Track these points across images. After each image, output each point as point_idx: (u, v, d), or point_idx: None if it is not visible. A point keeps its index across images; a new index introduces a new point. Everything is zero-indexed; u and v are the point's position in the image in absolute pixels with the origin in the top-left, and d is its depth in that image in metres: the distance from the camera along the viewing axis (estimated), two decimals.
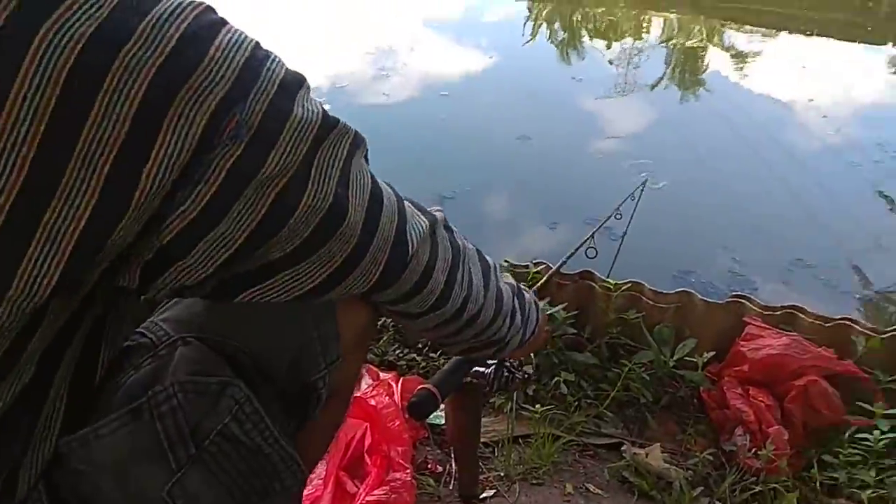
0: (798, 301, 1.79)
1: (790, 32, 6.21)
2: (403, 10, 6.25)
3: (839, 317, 1.68)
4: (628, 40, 5.85)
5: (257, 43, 0.51)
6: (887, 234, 3.26)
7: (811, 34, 6.14)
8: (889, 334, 1.64)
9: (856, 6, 7.00)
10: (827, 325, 1.66)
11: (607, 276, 1.82)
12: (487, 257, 0.88)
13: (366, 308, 0.78)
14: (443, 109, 4.43)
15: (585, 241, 1.60)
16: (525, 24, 6.17)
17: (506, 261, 1.91)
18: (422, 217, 0.71)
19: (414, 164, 3.81)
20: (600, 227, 1.69)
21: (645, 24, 6.28)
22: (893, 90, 5.03)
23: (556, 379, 1.69)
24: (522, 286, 0.99)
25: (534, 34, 5.95)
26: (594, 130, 4.19)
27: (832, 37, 6.13)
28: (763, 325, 1.65)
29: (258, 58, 0.50)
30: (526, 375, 1.23)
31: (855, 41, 6.04)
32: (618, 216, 1.80)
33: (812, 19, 6.49)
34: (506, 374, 1.15)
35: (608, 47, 5.64)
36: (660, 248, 3.13)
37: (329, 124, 0.54)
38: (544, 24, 6.18)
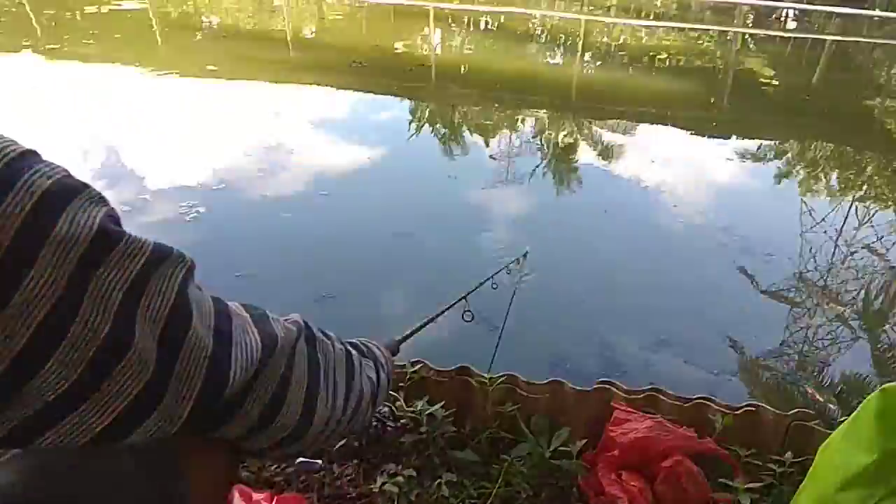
0: (666, 379, 1.91)
1: (649, 125, 6.88)
2: (283, 109, 6.31)
3: (696, 396, 1.80)
4: (505, 136, 6.21)
5: (27, 152, 0.47)
6: (743, 311, 3.59)
7: (665, 128, 6.85)
8: (742, 410, 1.78)
9: (702, 104, 7.89)
10: (686, 404, 1.77)
11: (489, 370, 1.86)
12: (355, 347, 0.85)
13: (220, 453, 0.70)
14: (323, 209, 4.46)
15: (457, 301, 1.66)
16: (408, 123, 6.40)
17: None
18: (263, 336, 0.65)
19: (293, 264, 3.78)
20: (475, 289, 1.76)
21: (520, 123, 6.72)
22: (735, 178, 5.63)
23: (437, 481, 1.67)
24: (374, 345, 0.97)
25: (418, 130, 6.19)
26: (471, 224, 4.36)
27: (684, 130, 6.83)
28: (629, 409, 1.74)
29: (16, 168, 0.45)
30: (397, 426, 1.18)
31: (703, 135, 6.77)
32: (494, 286, 1.88)
33: (666, 115, 7.24)
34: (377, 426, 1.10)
35: (486, 144, 5.95)
36: (537, 337, 3.25)
37: (109, 240, 0.49)
38: (426, 124, 6.45)
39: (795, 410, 1.77)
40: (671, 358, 3.12)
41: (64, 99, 6.42)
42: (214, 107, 6.41)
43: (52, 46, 8.17)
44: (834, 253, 4.41)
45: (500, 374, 1.84)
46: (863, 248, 4.46)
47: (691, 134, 6.77)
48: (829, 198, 5.41)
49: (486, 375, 1.83)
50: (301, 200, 4.56)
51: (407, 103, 6.97)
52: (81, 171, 4.66)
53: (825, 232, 4.65)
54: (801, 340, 3.45)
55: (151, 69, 7.67)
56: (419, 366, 1.84)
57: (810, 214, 4.93)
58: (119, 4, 11.50)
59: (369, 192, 4.75)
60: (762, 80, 9.69)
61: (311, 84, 7.33)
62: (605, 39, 11.85)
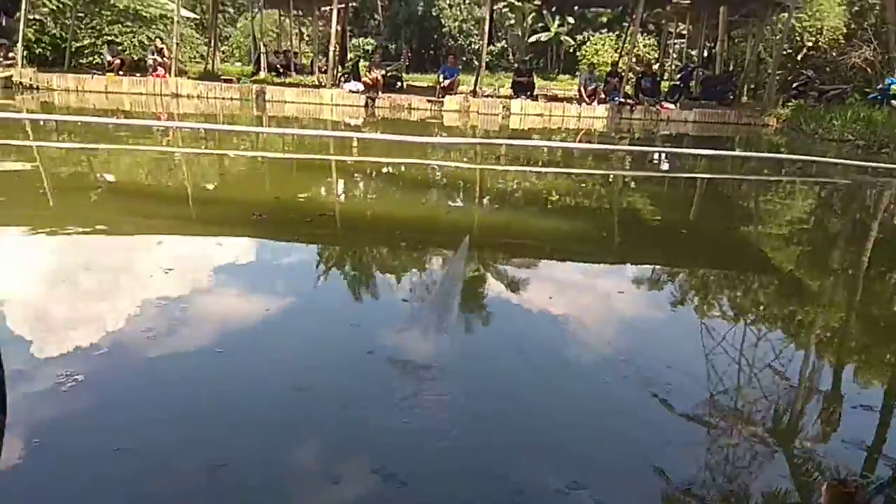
0: None
1: (547, 260, 7.17)
2: (178, 265, 6.10)
3: None
4: (409, 279, 6.23)
5: None
6: (655, 441, 3.56)
7: (563, 261, 7.12)
8: None
9: (593, 239, 8.31)
10: None
11: None
12: None
13: None
14: (215, 368, 4.21)
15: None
16: (310, 273, 6.31)
17: None
18: None
19: (181, 432, 3.48)
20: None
21: (425, 264, 6.79)
22: (629, 308, 5.83)
23: None
24: None
25: (320, 279, 6.10)
26: (376, 373, 4.23)
27: (579, 264, 7.13)
28: None
29: None
30: None
31: (600, 263, 7.07)
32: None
33: (565, 249, 7.57)
34: None
35: (390, 288, 5.94)
36: (443, 485, 3.10)
37: None
38: (328, 272, 6.39)
39: None
40: (586, 499, 3.02)
41: None
42: (102, 266, 6.13)
43: None
44: (739, 373, 4.56)
45: None
46: (764, 367, 4.65)
47: (586, 267, 7.08)
48: (724, 320, 5.69)
49: None
50: (192, 361, 4.30)
51: (309, 253, 6.96)
52: None
53: (726, 353, 4.83)
54: (720, 467, 3.45)
55: (37, 230, 7.34)
56: None
57: (710, 336, 5.14)
58: (7, 166, 11.18)
59: (268, 346, 4.56)
60: (645, 216, 10.45)
61: (209, 236, 7.22)
62: (499, 184, 12.57)
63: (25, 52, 26.07)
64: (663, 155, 17.51)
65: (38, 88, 24.44)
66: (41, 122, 16.07)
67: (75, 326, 4.74)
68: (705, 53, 34.40)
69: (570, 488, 3.07)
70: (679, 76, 30.26)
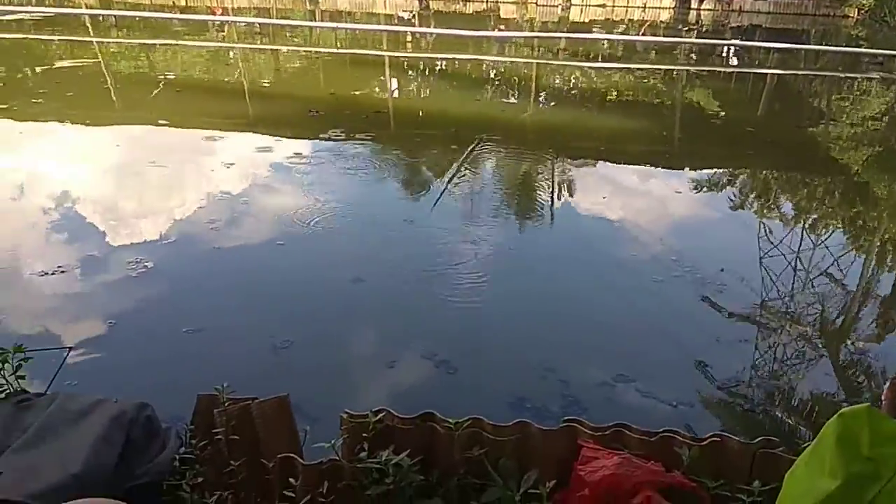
0: (627, 414, 1.90)
1: (603, 161, 7.00)
2: (239, 160, 6.27)
3: (662, 430, 1.79)
4: (463, 178, 6.25)
5: None
6: (703, 341, 3.62)
7: (618, 163, 6.98)
8: (708, 441, 1.77)
9: (653, 138, 8.09)
10: (651, 439, 1.76)
11: (367, 412, 1.80)
12: None
13: None
14: (278, 259, 4.41)
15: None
16: (366, 169, 6.40)
17: (346, 411, 1.85)
18: None
19: (247, 316, 3.71)
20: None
21: (478, 164, 6.79)
22: (686, 209, 5.75)
23: None
24: None
25: (376, 176, 6.19)
26: (428, 265, 4.35)
27: (636, 164, 6.98)
28: (596, 446, 1.72)
29: None
30: None
31: (655, 168, 6.91)
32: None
33: (618, 151, 7.41)
34: None
35: (443, 185, 5.98)
36: (494, 375, 3.24)
37: None
38: (383, 169, 6.46)
39: (760, 439, 1.77)
40: (632, 392, 3.13)
41: (11, 158, 6.29)
42: (166, 161, 6.34)
43: (1, 106, 8.04)
44: (794, 278, 4.52)
45: (466, 418, 1.81)
46: (820, 274, 4.58)
47: (644, 167, 6.92)
48: (782, 223, 5.56)
49: (451, 420, 1.80)
50: (255, 252, 4.51)
51: (364, 149, 7.00)
52: (32, 230, 4.56)
53: (783, 256, 4.77)
54: (766, 366, 3.50)
55: (103, 125, 7.60)
56: (382, 414, 1.80)
57: (768, 238, 5.06)
58: (72, 62, 11.43)
59: (325, 240, 4.72)
60: (709, 113, 10.03)
61: (267, 134, 7.33)
62: (556, 81, 12.18)
63: None
64: (732, 49, 16.53)
65: None
66: (100, 18, 16.20)
67: (144, 217, 4.99)
68: None
69: (617, 381, 3.18)
70: None
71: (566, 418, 1.81)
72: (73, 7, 17.91)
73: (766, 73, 12.88)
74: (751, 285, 4.30)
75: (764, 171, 7.08)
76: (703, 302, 4.02)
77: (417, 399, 2.80)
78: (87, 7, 18.52)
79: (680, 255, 4.64)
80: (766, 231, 5.25)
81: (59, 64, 11.23)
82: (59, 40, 13.08)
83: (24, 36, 13.59)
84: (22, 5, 18.42)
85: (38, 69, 10.37)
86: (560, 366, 3.29)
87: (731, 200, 6.10)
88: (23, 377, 1.98)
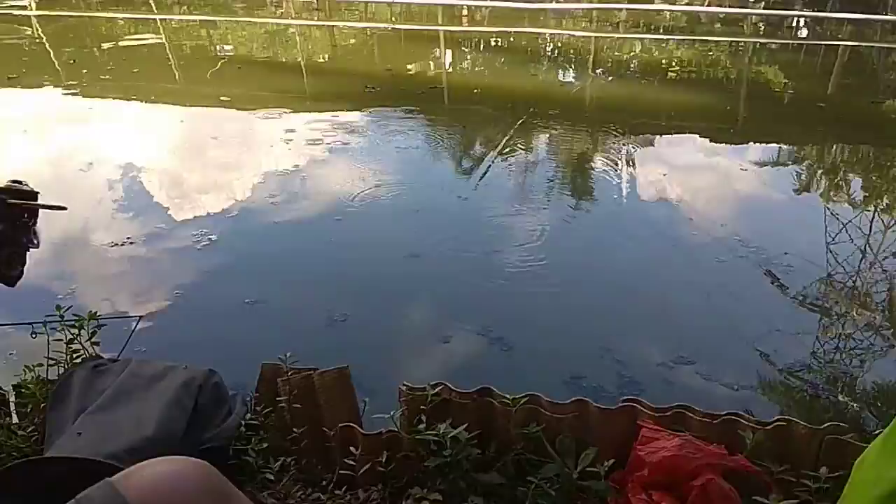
0: (687, 396, 1.87)
1: (663, 136, 6.82)
2: (297, 136, 6.37)
3: (725, 413, 1.76)
4: (520, 154, 6.21)
5: None
6: (766, 322, 3.52)
7: (681, 138, 6.80)
8: (773, 425, 1.73)
9: (717, 114, 7.84)
10: (714, 421, 1.73)
11: (425, 385, 1.82)
12: None
13: None
14: (336, 234, 4.48)
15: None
16: (421, 145, 6.41)
17: (404, 384, 1.88)
18: None
19: (304, 289, 3.79)
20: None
21: (535, 139, 6.73)
22: (754, 188, 5.57)
23: None
24: None
25: (431, 152, 6.21)
26: (483, 243, 4.35)
27: (699, 140, 6.79)
28: (656, 426, 1.70)
29: None
30: None
31: (719, 145, 6.70)
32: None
33: (680, 126, 7.21)
34: None
35: (501, 162, 5.95)
36: (551, 353, 3.22)
37: None
38: (438, 145, 6.47)
39: (828, 424, 1.71)
40: (691, 374, 3.07)
41: (81, 133, 6.53)
42: (227, 137, 6.48)
43: (71, 82, 8.34)
44: (862, 260, 4.33)
45: (523, 394, 1.81)
46: (889, 256, 4.39)
47: (707, 144, 6.72)
48: (851, 204, 5.33)
49: (508, 396, 1.80)
50: (313, 226, 4.58)
51: (420, 125, 7.00)
52: (100, 203, 4.74)
53: (851, 239, 4.58)
54: (831, 350, 3.38)
55: (167, 102, 7.81)
56: (440, 388, 1.82)
57: (836, 220, 4.86)
58: (136, 39, 11.75)
59: (382, 216, 4.76)
60: (776, 88, 9.64)
61: (324, 111, 7.40)
62: (616, 54, 11.89)
63: None
64: (802, 20, 15.79)
65: None
66: None
67: (207, 191, 5.14)
68: None
69: (675, 362, 3.13)
70: None
71: (625, 398, 1.79)
72: None
73: (839, 45, 12.25)
74: (818, 268, 4.14)
75: (834, 149, 6.78)
76: (767, 284, 3.90)
77: (471, 374, 2.81)
78: None
79: (744, 235, 4.50)
80: (835, 212, 5.05)
81: (124, 41, 11.56)
82: (123, 18, 13.44)
83: (92, 14, 14.01)
84: None
85: (104, 46, 10.70)
86: (617, 345, 3.25)
87: (799, 179, 5.87)
88: (97, 343, 2.07)
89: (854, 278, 4.11)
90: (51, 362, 1.99)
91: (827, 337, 3.49)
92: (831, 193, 5.60)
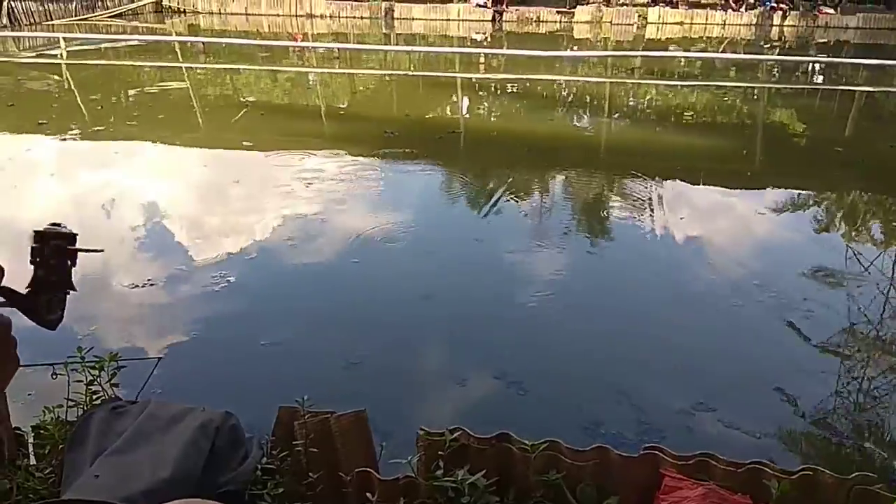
0: (708, 443, 1.84)
1: (680, 181, 6.79)
2: (316, 180, 6.46)
3: (750, 461, 1.72)
4: (535, 197, 6.24)
5: None
6: (787, 368, 3.46)
7: (697, 183, 6.77)
8: (799, 474, 1.69)
9: (733, 158, 7.85)
10: (739, 470, 1.69)
11: (443, 430, 1.80)
12: None
13: None
14: (352, 276, 4.50)
15: None
16: (439, 188, 6.47)
17: (421, 429, 1.86)
18: None
19: (321, 331, 3.81)
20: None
21: (550, 183, 6.78)
22: (769, 232, 5.53)
23: None
24: None
25: (448, 195, 6.26)
26: (499, 284, 4.35)
27: (715, 185, 6.75)
28: (679, 475, 1.66)
29: None
30: None
31: (736, 189, 6.66)
32: None
33: (696, 170, 7.18)
34: None
35: (516, 205, 5.99)
36: (569, 398, 3.18)
37: None
38: (455, 188, 6.54)
39: (857, 474, 1.67)
40: (712, 421, 3.01)
41: (106, 176, 6.68)
42: (248, 180, 6.60)
43: (98, 128, 8.56)
44: (885, 304, 4.26)
45: (542, 440, 1.79)
46: None
47: (724, 188, 6.71)
48: (871, 248, 5.28)
49: (527, 442, 1.78)
50: (330, 269, 4.61)
51: (438, 169, 7.08)
52: (122, 244, 4.81)
53: (874, 283, 4.52)
54: (855, 397, 3.31)
55: (190, 146, 7.99)
56: (458, 433, 1.80)
57: (857, 263, 4.81)
58: (162, 86, 12.09)
59: (398, 258, 4.79)
60: (793, 132, 9.66)
61: (343, 155, 7.51)
62: (631, 100, 12.01)
63: None
64: (817, 65, 15.90)
65: (184, 12, 25.82)
66: (189, 45, 17.08)
67: (227, 234, 5.20)
68: None
69: (696, 409, 3.07)
70: None
71: (647, 445, 1.76)
72: (163, 35, 18.97)
73: (855, 90, 12.29)
74: (838, 312, 4.08)
75: (853, 192, 6.74)
76: (787, 328, 3.84)
77: (487, 419, 2.78)
78: (176, 35, 19.60)
79: (763, 278, 4.46)
80: (855, 255, 4.99)
81: (150, 88, 11.89)
82: (150, 66, 13.84)
83: (120, 62, 14.46)
84: (118, 33, 19.67)
85: (131, 93, 11.00)
86: (636, 391, 3.20)
87: (818, 223, 5.84)
88: (116, 385, 2.08)
89: (877, 323, 4.04)
90: (70, 403, 2.01)
91: (850, 383, 3.42)
92: (851, 237, 5.55)
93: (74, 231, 0.87)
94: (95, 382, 2.02)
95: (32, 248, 0.84)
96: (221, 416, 1.84)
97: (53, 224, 0.86)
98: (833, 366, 3.57)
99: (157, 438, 1.72)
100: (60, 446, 1.86)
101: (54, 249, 0.85)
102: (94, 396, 2.01)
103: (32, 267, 0.84)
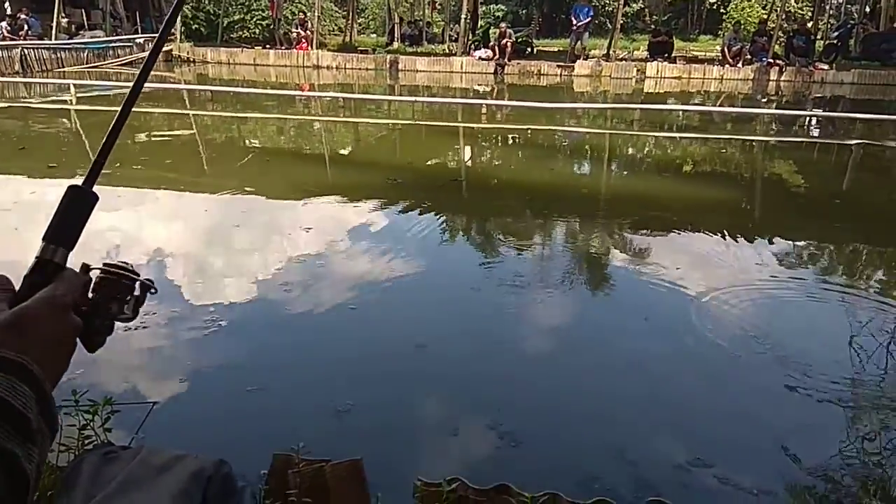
0: (707, 502, 1.80)
1: (678, 231, 6.81)
2: (317, 225, 6.50)
3: None
4: (534, 247, 6.26)
5: None
6: (786, 425, 3.41)
7: (696, 233, 6.78)
8: None
9: (732, 210, 7.87)
10: None
11: (441, 481, 1.77)
12: None
13: None
14: (346, 322, 4.48)
15: None
16: (440, 237, 6.49)
17: (419, 479, 1.83)
18: None
19: (311, 377, 3.79)
20: None
21: (550, 232, 6.80)
22: (771, 282, 5.51)
23: None
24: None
25: (449, 242, 6.28)
26: (493, 334, 4.33)
27: (718, 234, 6.74)
28: None
29: None
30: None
31: (737, 239, 6.66)
32: None
33: (700, 220, 7.19)
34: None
35: (515, 254, 6.00)
36: (560, 452, 3.13)
37: None
38: (456, 237, 6.57)
39: None
40: (709, 478, 2.95)
41: (109, 219, 6.72)
42: (249, 225, 6.64)
43: (104, 171, 8.63)
44: (887, 357, 4.23)
45: (542, 493, 1.76)
46: None
47: (722, 239, 6.73)
48: (874, 300, 5.26)
49: (526, 495, 1.75)
50: (325, 315, 4.60)
51: (439, 216, 7.13)
52: None
53: (874, 336, 4.49)
54: (857, 454, 3.25)
55: (194, 191, 8.06)
56: (456, 484, 1.77)
57: (858, 316, 4.79)
58: (169, 133, 12.28)
59: (395, 305, 4.79)
60: (792, 184, 9.75)
61: (346, 201, 7.58)
62: (630, 151, 12.17)
63: (183, 28, 28.17)
64: (814, 119, 16.15)
65: (194, 61, 26.41)
66: (197, 93, 17.40)
67: (223, 278, 5.20)
68: (867, 8, 30.98)
69: (693, 465, 3.01)
70: (836, 34, 27.42)
71: (651, 498, 1.73)
72: (173, 83, 19.37)
73: (852, 144, 12.45)
74: (840, 366, 4.04)
75: (853, 244, 6.76)
76: (786, 382, 3.80)
77: (480, 469, 2.73)
78: (185, 83, 20.00)
79: (761, 331, 4.44)
80: (856, 308, 4.98)
81: (157, 134, 12.07)
82: (158, 112, 14.09)
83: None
84: (128, 81, 20.07)
85: (138, 138, 11.16)
86: (631, 446, 3.15)
87: (818, 275, 5.84)
88: (109, 430, 2.06)
89: (879, 376, 4.00)
90: (62, 448, 1.98)
91: (852, 438, 3.36)
92: (852, 289, 5.54)
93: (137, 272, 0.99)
94: (88, 426, 2.00)
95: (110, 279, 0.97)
96: (214, 465, 1.80)
97: (122, 262, 0.98)
98: (834, 420, 3.52)
99: (147, 487, 1.68)
100: (49, 493, 1.83)
101: (120, 283, 0.99)
102: (87, 441, 1.99)
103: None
